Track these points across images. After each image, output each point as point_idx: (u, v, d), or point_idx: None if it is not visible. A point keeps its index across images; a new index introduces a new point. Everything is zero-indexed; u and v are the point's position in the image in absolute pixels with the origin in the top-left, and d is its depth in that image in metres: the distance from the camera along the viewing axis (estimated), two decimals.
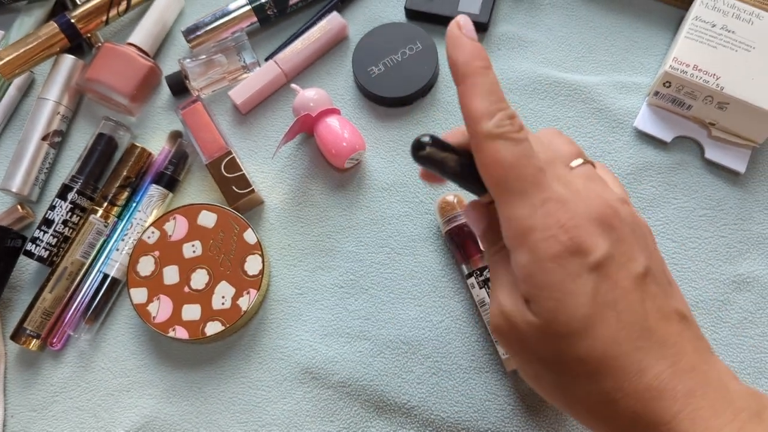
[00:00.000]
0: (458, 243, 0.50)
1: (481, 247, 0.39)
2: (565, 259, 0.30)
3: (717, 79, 0.50)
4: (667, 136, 0.53)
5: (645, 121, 0.54)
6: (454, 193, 0.51)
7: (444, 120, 0.55)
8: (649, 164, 0.53)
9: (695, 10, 0.52)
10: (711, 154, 0.52)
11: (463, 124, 0.34)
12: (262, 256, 0.51)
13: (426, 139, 0.33)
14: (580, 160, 0.34)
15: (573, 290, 0.30)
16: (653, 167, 0.53)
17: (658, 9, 0.58)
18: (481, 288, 0.48)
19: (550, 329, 0.30)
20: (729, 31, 0.51)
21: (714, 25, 0.51)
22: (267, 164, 0.56)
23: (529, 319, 0.31)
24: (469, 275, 0.49)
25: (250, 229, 0.51)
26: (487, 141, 0.31)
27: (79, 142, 0.58)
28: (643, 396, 0.29)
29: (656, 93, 0.52)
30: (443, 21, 0.58)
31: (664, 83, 0.51)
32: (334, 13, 0.58)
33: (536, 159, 0.31)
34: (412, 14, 0.58)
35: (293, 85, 0.55)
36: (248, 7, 0.58)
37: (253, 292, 0.50)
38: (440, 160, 0.34)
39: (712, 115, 0.51)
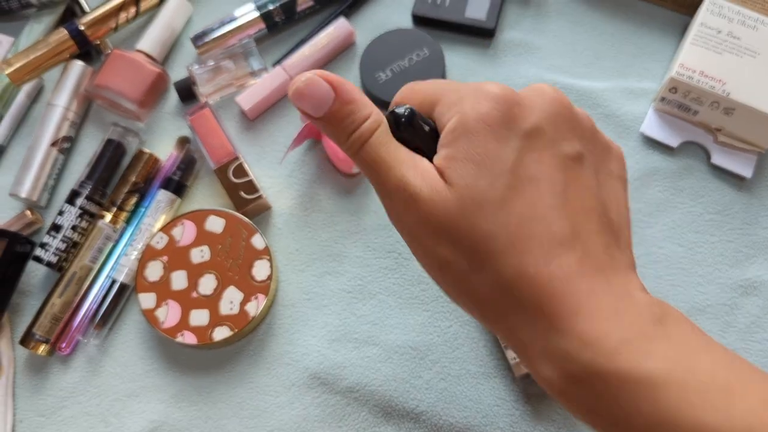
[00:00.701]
0: None
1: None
2: (495, 121, 0.28)
3: (723, 84, 0.50)
4: (673, 142, 0.53)
5: (652, 126, 0.54)
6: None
7: None
8: (656, 169, 0.53)
9: (701, 16, 0.52)
10: (717, 159, 0.52)
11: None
12: (270, 261, 0.51)
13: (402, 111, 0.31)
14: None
15: (497, 155, 0.28)
16: (660, 172, 0.53)
17: (664, 15, 0.58)
18: None
19: (466, 199, 0.28)
20: (734, 38, 0.51)
21: (719, 32, 0.52)
22: (275, 170, 0.56)
23: (444, 192, 0.28)
24: None
25: (258, 234, 0.51)
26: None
27: (88, 147, 0.59)
28: (545, 285, 0.27)
29: (663, 99, 0.53)
30: (450, 27, 0.58)
31: (670, 89, 0.51)
32: (342, 20, 0.58)
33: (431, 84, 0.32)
34: (419, 20, 0.59)
35: None
36: (256, 14, 0.58)
37: (261, 297, 0.50)
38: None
39: (718, 120, 0.52)
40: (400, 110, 0.31)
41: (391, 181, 0.30)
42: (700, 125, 0.53)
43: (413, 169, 0.29)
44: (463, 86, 0.31)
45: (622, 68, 0.57)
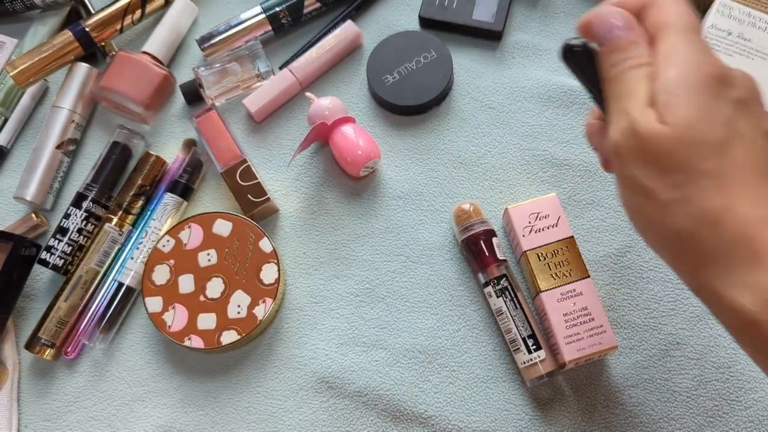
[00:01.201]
0: (474, 252, 0.49)
1: (603, 68, 0.36)
2: (712, 82, 0.31)
3: None
4: None
5: None
6: (470, 201, 0.51)
7: (459, 128, 0.55)
8: None
9: (711, 18, 0.52)
10: None
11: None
12: (277, 264, 0.51)
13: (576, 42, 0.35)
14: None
15: (715, 108, 0.31)
16: None
17: None
18: (498, 297, 0.48)
19: (684, 136, 0.31)
20: (745, 40, 0.51)
21: (730, 34, 0.51)
22: (282, 172, 0.56)
23: (664, 128, 0.31)
24: (486, 284, 0.49)
25: (265, 238, 0.51)
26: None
27: (94, 150, 0.58)
28: (754, 225, 0.30)
29: None
30: (457, 29, 0.58)
31: None
32: (349, 22, 0.58)
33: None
34: (426, 22, 0.58)
35: (308, 94, 0.55)
36: (262, 16, 0.58)
37: (268, 301, 0.50)
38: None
39: None
40: (576, 42, 0.35)
41: (619, 108, 0.34)
42: None
43: (638, 102, 0.33)
44: (684, 44, 0.33)
45: None
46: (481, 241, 0.49)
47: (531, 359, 0.46)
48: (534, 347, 0.47)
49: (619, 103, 0.34)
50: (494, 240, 0.49)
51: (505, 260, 0.50)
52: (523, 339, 0.47)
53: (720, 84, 0.32)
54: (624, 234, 0.51)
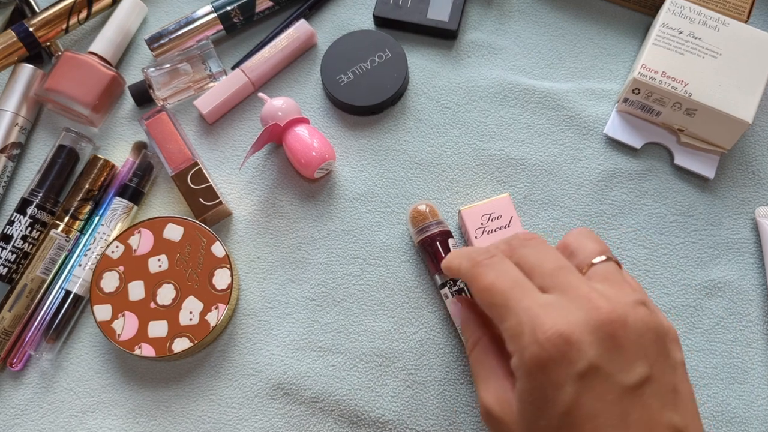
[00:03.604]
0: (431, 253, 0.49)
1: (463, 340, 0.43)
2: (549, 366, 0.30)
3: (685, 85, 0.50)
4: (637, 143, 0.53)
5: (615, 127, 0.54)
6: (425, 202, 0.50)
7: (414, 128, 0.55)
8: (620, 171, 0.53)
9: (662, 16, 0.52)
10: (680, 160, 0.52)
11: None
12: (230, 269, 0.49)
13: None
14: (602, 257, 0.35)
15: (553, 399, 0.30)
16: (624, 174, 0.53)
17: (627, 16, 0.58)
18: (454, 297, 0.48)
19: (529, 429, 0.31)
20: (696, 38, 0.51)
21: (681, 32, 0.52)
22: (235, 175, 0.55)
23: (515, 418, 0.32)
24: (443, 285, 0.48)
25: (218, 242, 0.50)
26: (470, 271, 0.37)
27: (39, 154, 0.57)
28: None
29: (625, 100, 0.53)
30: (412, 29, 0.57)
31: (633, 90, 0.51)
32: (302, 21, 0.57)
33: (511, 274, 0.34)
34: (380, 21, 0.58)
35: (261, 94, 0.54)
36: (214, 15, 0.57)
37: (221, 306, 0.49)
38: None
39: (680, 121, 0.52)
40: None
41: (478, 392, 0.36)
42: (663, 126, 0.53)
43: (490, 390, 0.35)
44: (526, 308, 0.32)
45: (585, 69, 0.57)
46: (438, 243, 0.49)
47: None
48: None
49: (475, 379, 0.38)
50: (450, 241, 0.49)
51: None
52: None
53: (559, 365, 0.30)
54: None
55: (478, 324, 0.40)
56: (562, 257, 0.35)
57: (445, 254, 0.48)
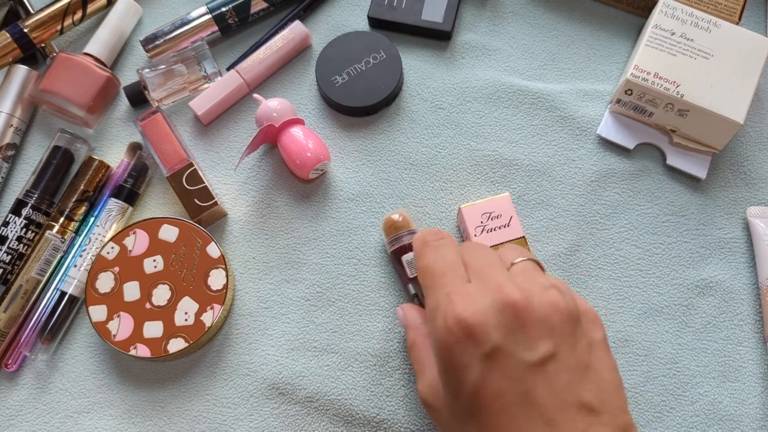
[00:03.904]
0: (402, 263, 0.49)
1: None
2: (455, 349, 0.32)
3: (677, 86, 0.50)
4: (629, 143, 0.53)
5: (608, 128, 0.54)
6: (400, 211, 0.50)
7: (409, 129, 0.55)
8: (613, 171, 0.53)
9: (655, 18, 0.53)
10: (673, 160, 0.53)
11: None
12: (225, 270, 0.50)
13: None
14: (523, 258, 0.38)
15: (462, 380, 0.31)
16: (617, 174, 0.53)
17: (619, 17, 0.58)
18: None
19: (452, 411, 0.33)
20: (688, 39, 0.52)
21: (673, 33, 0.52)
22: (230, 176, 0.55)
23: (441, 401, 0.34)
24: (414, 296, 0.48)
25: (213, 243, 0.50)
26: (417, 250, 0.41)
27: (34, 155, 0.57)
28: None
29: (618, 101, 0.53)
30: (406, 30, 0.58)
31: (625, 91, 0.52)
32: (297, 22, 0.57)
33: (449, 260, 0.37)
34: (375, 23, 0.58)
35: (255, 95, 0.54)
36: (209, 16, 0.57)
37: (217, 307, 0.49)
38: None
39: (673, 122, 0.52)
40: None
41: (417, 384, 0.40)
42: (655, 127, 0.54)
43: (425, 380, 0.38)
44: (446, 293, 0.35)
45: (579, 70, 0.57)
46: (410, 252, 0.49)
47: None
48: None
49: (414, 366, 0.41)
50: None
51: None
52: None
53: (467, 346, 0.32)
54: (573, 233, 0.52)
55: (417, 323, 0.43)
56: (498, 259, 0.38)
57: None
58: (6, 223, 0.51)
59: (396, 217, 0.50)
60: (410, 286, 0.48)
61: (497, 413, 0.30)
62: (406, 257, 0.49)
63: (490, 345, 0.31)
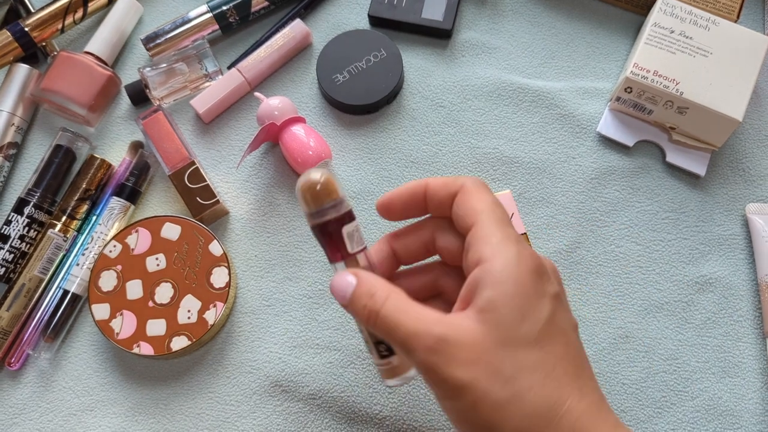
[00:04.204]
0: (324, 243, 0.36)
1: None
2: (534, 277, 0.33)
3: (677, 84, 0.50)
4: (629, 141, 0.54)
5: (608, 126, 0.54)
6: (321, 169, 0.35)
7: (410, 127, 0.55)
8: (613, 168, 0.54)
9: (654, 16, 0.53)
10: (672, 157, 0.53)
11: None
12: (228, 268, 0.50)
13: None
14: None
15: (537, 306, 0.32)
16: (616, 171, 0.54)
17: (619, 15, 0.59)
18: None
19: (507, 335, 0.31)
20: (687, 37, 0.52)
21: (672, 31, 0.52)
22: (231, 174, 0.55)
23: (472, 328, 0.32)
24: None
25: (215, 241, 0.50)
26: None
27: (36, 154, 0.57)
28: (579, 416, 0.31)
29: (618, 98, 0.53)
30: (407, 28, 0.58)
31: (625, 89, 0.52)
32: (298, 21, 0.57)
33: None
34: (375, 21, 0.58)
35: (257, 94, 0.54)
36: (209, 15, 0.57)
37: (219, 305, 0.49)
38: None
39: (672, 119, 0.52)
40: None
41: (413, 336, 0.32)
42: (655, 124, 0.54)
43: (431, 322, 0.33)
44: (504, 232, 0.34)
45: (578, 68, 0.57)
46: (332, 233, 0.35)
47: None
48: None
49: (408, 328, 0.33)
50: (345, 228, 0.35)
51: (363, 248, 0.36)
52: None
53: (540, 279, 0.33)
54: (573, 230, 0.52)
55: (384, 280, 0.35)
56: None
57: (340, 245, 0.36)
58: (8, 222, 0.52)
59: (317, 176, 0.35)
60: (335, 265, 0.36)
61: (563, 343, 0.33)
62: (348, 228, 0.35)
63: (556, 288, 0.34)
